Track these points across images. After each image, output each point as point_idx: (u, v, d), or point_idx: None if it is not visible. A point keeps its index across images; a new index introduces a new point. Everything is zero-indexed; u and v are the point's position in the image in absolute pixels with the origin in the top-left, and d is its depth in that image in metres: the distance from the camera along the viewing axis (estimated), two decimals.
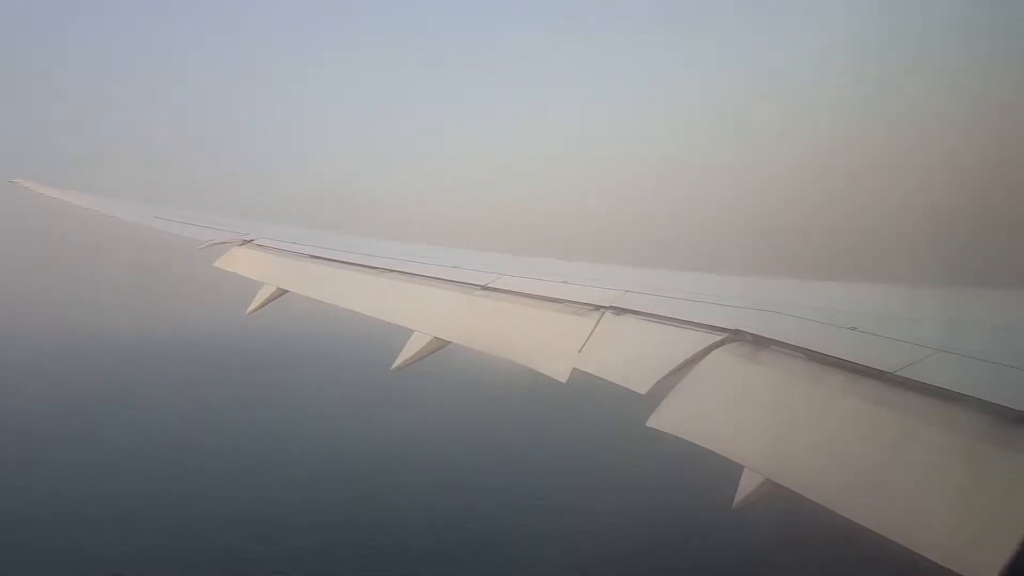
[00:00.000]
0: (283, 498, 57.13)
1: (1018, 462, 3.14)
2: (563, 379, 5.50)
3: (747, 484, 4.75)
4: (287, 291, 8.51)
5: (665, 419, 4.63)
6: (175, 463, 65.65)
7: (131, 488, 58.92)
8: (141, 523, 51.91)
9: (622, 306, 5.91)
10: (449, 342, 6.66)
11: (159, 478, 61.48)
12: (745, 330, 4.96)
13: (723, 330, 5.05)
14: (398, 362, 6.82)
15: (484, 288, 7.03)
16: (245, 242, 9.58)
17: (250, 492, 58.47)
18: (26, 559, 45.21)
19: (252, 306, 8.66)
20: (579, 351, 5.59)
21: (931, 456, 3.56)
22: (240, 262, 9.24)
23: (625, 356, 5.47)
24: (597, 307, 5.99)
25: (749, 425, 4.55)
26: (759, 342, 4.81)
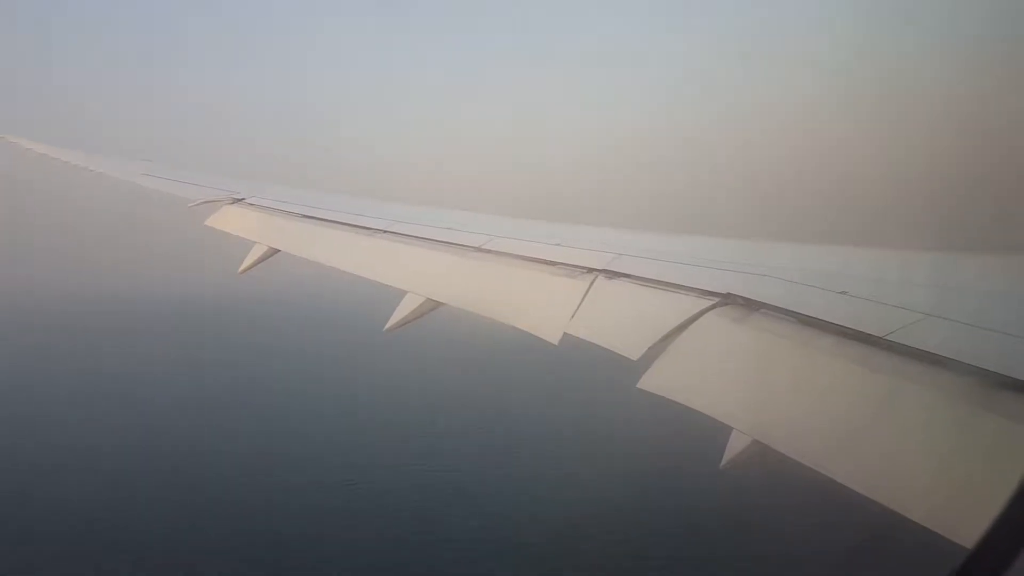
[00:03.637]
0: (275, 459, 57.51)
1: (1004, 427, 3.18)
2: (555, 341, 5.52)
3: (735, 445, 4.81)
4: (279, 250, 8.47)
5: (655, 381, 4.67)
6: (164, 424, 65.87)
7: (118, 450, 59.12)
8: (130, 487, 52.21)
9: (615, 269, 5.92)
10: (442, 303, 6.66)
11: (148, 439, 61.71)
12: (736, 293, 4.98)
13: (715, 294, 5.07)
14: (391, 323, 6.82)
15: (478, 250, 7.02)
16: (236, 201, 9.50)
17: (241, 453, 58.80)
18: (17, 524, 45.51)
19: (243, 265, 8.62)
20: (572, 315, 5.60)
21: (918, 420, 3.60)
22: (231, 221, 9.17)
23: (617, 321, 5.49)
24: (590, 270, 6.00)
25: (738, 387, 4.60)
26: (750, 305, 4.84)
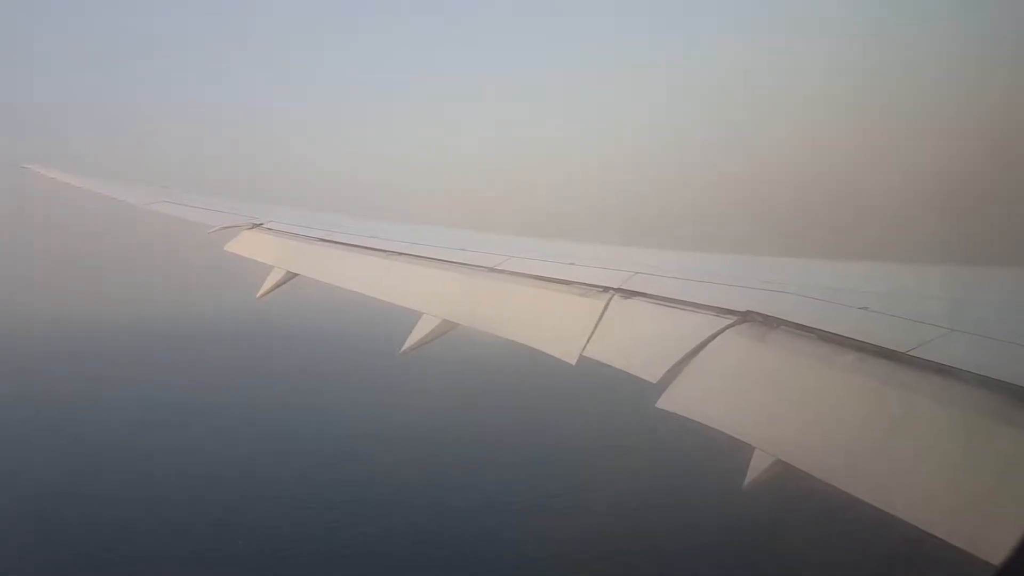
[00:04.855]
0: (291, 482, 57.58)
1: None
2: (572, 361, 5.49)
3: (758, 465, 4.76)
4: (297, 274, 8.54)
5: (675, 400, 4.63)
6: (184, 448, 66.18)
7: (139, 472, 59.46)
8: (149, 507, 52.42)
9: (631, 288, 5.89)
10: (458, 324, 6.67)
11: (168, 462, 62.00)
12: (755, 311, 4.93)
13: (734, 312, 5.03)
14: (407, 345, 6.83)
15: (492, 270, 7.02)
16: (255, 226, 9.61)
17: (259, 476, 58.92)
18: (28, 547, 45.72)
19: (262, 290, 8.70)
20: (589, 334, 5.57)
21: (943, 436, 3.55)
22: (250, 246, 9.28)
23: (635, 342, 5.45)
24: (606, 289, 5.98)
25: (760, 406, 4.54)
26: (770, 323, 4.79)
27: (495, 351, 6.79)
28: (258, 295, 8.74)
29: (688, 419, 4.45)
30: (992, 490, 3.16)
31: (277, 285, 8.61)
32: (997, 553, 2.73)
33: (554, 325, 6.03)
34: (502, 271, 6.96)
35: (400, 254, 8.04)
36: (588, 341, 5.53)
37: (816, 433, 4.12)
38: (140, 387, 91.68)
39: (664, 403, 4.64)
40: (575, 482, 56.44)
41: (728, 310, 5.08)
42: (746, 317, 4.94)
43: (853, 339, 4.25)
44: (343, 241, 8.78)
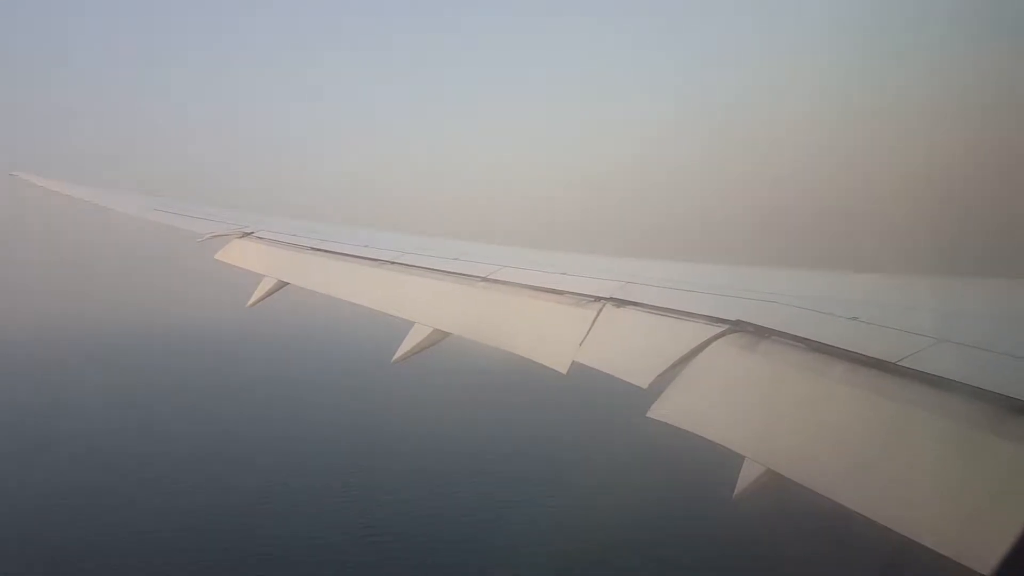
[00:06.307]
0: (282, 491, 57.29)
1: (1018, 451, 3.14)
2: (563, 370, 5.49)
3: (747, 474, 4.76)
4: (288, 283, 8.51)
5: (666, 410, 4.63)
6: (174, 456, 65.78)
7: (129, 481, 59.06)
8: (140, 516, 52.06)
9: (623, 297, 5.89)
10: (450, 334, 6.66)
11: (158, 471, 61.62)
12: (746, 320, 4.95)
13: (724, 321, 5.04)
14: (399, 354, 6.82)
15: (484, 280, 7.03)
16: (245, 234, 9.59)
17: (249, 485, 58.59)
18: (24, 556, 45.34)
19: (253, 298, 8.66)
20: (580, 344, 5.57)
21: (932, 446, 3.56)
22: (240, 254, 9.25)
23: (626, 349, 5.45)
24: (597, 298, 5.98)
25: (750, 415, 4.54)
26: (760, 333, 4.81)
27: (487, 360, 6.79)
28: (248, 304, 8.71)
29: (679, 428, 4.45)
30: (982, 500, 3.17)
31: (268, 294, 8.58)
32: (987, 563, 2.74)
33: (546, 335, 6.02)
34: (495, 280, 6.96)
35: (392, 263, 8.02)
36: (579, 350, 5.53)
37: (806, 443, 4.12)
38: (129, 394, 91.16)
39: (655, 413, 4.64)
40: (564, 491, 56.35)
41: (719, 319, 5.09)
42: (737, 326, 4.96)
43: (843, 349, 4.26)
44: (334, 250, 8.75)
